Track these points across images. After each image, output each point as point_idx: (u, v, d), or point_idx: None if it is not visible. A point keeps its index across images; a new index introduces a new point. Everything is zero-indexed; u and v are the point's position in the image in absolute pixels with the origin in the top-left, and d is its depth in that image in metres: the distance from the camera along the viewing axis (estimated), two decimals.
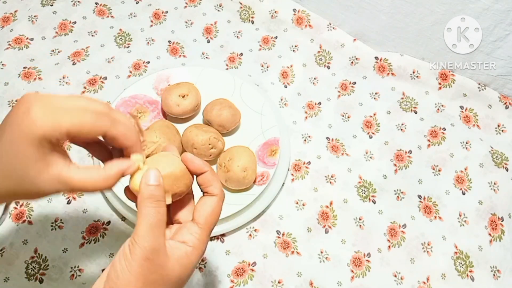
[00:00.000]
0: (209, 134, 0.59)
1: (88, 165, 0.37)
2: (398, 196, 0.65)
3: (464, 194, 0.65)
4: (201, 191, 0.40)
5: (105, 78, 0.69)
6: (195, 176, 0.39)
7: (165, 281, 0.35)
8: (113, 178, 0.35)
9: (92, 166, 0.37)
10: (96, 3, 0.75)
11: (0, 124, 0.34)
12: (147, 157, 0.39)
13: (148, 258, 0.34)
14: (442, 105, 0.72)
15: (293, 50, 0.75)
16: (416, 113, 0.71)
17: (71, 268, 0.56)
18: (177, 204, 0.40)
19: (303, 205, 0.63)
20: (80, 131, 0.33)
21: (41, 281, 0.55)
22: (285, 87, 0.72)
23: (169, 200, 0.37)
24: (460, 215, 0.64)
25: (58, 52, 0.70)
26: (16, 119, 0.32)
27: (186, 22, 0.76)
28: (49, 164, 0.33)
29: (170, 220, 0.41)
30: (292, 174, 0.65)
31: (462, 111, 0.72)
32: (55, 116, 0.32)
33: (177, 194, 0.38)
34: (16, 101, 0.65)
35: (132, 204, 0.55)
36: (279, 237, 0.60)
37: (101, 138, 0.38)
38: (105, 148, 0.40)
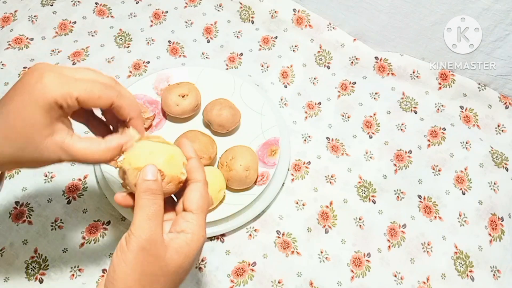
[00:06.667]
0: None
1: (90, 137, 0.38)
2: (398, 196, 0.65)
3: (464, 194, 0.65)
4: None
5: None
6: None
7: (164, 272, 0.35)
8: (113, 150, 0.37)
9: (93, 137, 0.38)
10: (96, 3, 0.75)
11: (9, 91, 0.35)
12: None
13: (144, 248, 0.34)
14: (442, 105, 0.72)
15: (293, 50, 0.75)
16: (416, 113, 0.71)
17: (71, 268, 0.56)
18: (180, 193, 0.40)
19: (303, 205, 0.63)
20: (89, 99, 0.35)
21: (41, 281, 0.55)
22: (285, 87, 0.72)
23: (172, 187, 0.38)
24: (460, 215, 0.64)
25: (58, 52, 0.70)
26: (28, 86, 0.34)
27: (186, 22, 0.76)
28: (54, 131, 0.35)
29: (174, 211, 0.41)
30: (292, 174, 0.65)
31: (462, 111, 0.72)
32: (66, 84, 0.34)
33: (177, 179, 0.38)
34: None
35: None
36: (279, 237, 0.60)
37: (100, 115, 0.40)
38: (104, 125, 0.41)
